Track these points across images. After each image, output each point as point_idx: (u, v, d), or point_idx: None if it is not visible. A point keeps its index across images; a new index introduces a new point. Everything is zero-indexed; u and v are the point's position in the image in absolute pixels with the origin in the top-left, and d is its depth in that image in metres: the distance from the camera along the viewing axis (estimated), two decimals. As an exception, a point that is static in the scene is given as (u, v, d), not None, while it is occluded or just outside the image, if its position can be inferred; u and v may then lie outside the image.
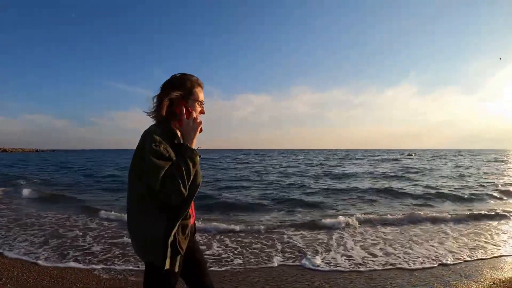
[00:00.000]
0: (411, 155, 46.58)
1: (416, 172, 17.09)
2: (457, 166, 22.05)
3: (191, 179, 1.20)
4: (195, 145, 1.29)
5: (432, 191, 9.65)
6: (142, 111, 1.34)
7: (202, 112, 1.38)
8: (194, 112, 1.33)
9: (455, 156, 43.59)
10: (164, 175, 1.13)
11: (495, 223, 5.65)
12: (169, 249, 1.19)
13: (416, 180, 13.24)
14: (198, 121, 1.31)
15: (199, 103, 1.36)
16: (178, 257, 1.26)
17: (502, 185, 11.32)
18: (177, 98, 1.30)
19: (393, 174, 15.95)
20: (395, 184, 11.68)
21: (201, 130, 1.32)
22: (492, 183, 11.80)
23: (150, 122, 1.31)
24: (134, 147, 1.26)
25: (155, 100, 1.32)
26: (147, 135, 1.22)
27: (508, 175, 15.48)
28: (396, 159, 33.04)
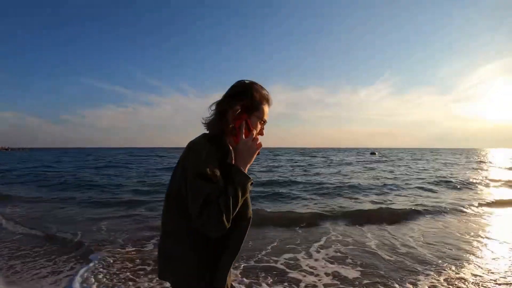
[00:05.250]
0: (375, 153, 47.69)
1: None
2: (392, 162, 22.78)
3: (237, 210, 1.00)
4: (247, 170, 1.08)
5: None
6: (201, 121, 1.15)
7: (261, 133, 1.17)
8: (254, 132, 1.11)
9: (413, 154, 45.13)
10: (205, 200, 0.95)
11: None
12: None
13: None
14: (258, 143, 1.09)
15: (262, 122, 1.16)
16: None
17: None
18: (240, 110, 1.10)
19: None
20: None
21: (258, 153, 1.11)
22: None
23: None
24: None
25: (213, 107, 1.14)
26: (193, 148, 1.04)
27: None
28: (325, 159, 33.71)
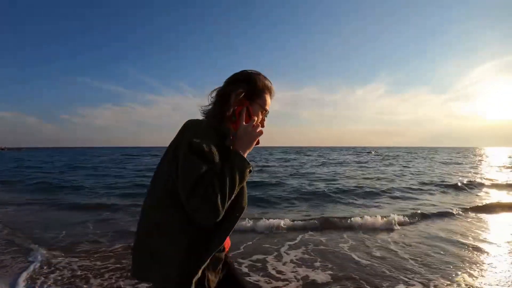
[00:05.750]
0: (371, 152, 48.02)
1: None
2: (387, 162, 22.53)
3: (233, 196, 0.91)
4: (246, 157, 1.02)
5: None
6: (198, 109, 1.09)
7: (262, 124, 1.13)
8: (255, 118, 1.08)
9: (410, 153, 45.14)
10: (198, 180, 0.86)
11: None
12: None
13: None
14: (258, 130, 1.04)
15: (263, 111, 1.11)
16: None
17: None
18: (242, 96, 1.05)
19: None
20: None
21: (258, 142, 1.06)
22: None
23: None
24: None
25: (213, 94, 1.08)
26: (189, 126, 1.00)
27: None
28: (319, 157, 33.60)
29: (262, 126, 1.12)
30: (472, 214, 6.21)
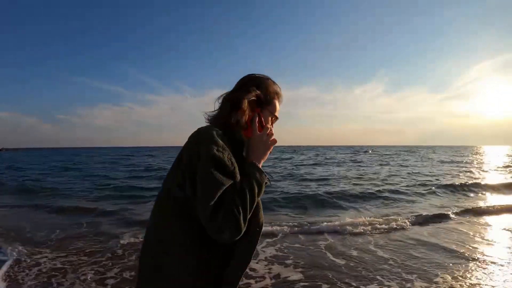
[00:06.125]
0: (368, 151, 47.81)
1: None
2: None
3: (252, 211, 0.86)
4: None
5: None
6: (203, 115, 1.01)
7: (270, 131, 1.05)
8: (269, 126, 1.00)
9: (408, 152, 44.96)
10: (220, 197, 0.80)
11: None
12: None
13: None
14: (272, 138, 0.98)
15: (273, 118, 1.04)
16: None
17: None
18: (252, 102, 0.97)
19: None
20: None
21: (271, 151, 1.00)
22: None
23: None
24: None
25: (220, 100, 1.00)
26: (204, 136, 0.87)
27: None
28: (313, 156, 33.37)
29: (271, 133, 1.04)
30: (462, 217, 5.92)
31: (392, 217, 5.84)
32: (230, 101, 0.97)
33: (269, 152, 0.99)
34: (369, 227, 5.03)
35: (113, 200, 8.30)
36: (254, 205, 0.87)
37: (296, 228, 5.02)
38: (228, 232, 0.79)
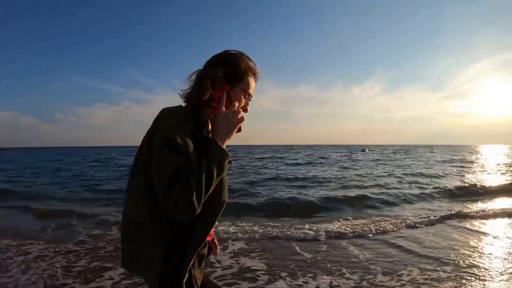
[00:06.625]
0: (365, 150, 47.68)
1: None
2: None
3: (211, 190, 0.85)
4: (225, 147, 0.93)
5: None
6: (179, 93, 0.99)
7: (244, 109, 1.02)
8: (236, 104, 0.97)
9: (406, 152, 44.62)
10: (173, 176, 0.79)
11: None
12: None
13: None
14: (240, 116, 0.95)
15: (247, 96, 1.01)
16: None
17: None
18: (221, 78, 0.95)
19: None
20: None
21: (239, 130, 0.98)
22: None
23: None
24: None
25: (193, 77, 0.98)
26: (163, 116, 0.91)
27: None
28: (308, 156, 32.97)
29: (245, 111, 1.02)
30: (451, 221, 5.36)
31: (376, 218, 5.46)
32: (199, 80, 0.96)
33: (235, 130, 0.95)
34: (349, 230, 4.59)
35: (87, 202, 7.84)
36: (213, 184, 0.86)
37: (269, 232, 4.46)
38: (181, 211, 0.79)
